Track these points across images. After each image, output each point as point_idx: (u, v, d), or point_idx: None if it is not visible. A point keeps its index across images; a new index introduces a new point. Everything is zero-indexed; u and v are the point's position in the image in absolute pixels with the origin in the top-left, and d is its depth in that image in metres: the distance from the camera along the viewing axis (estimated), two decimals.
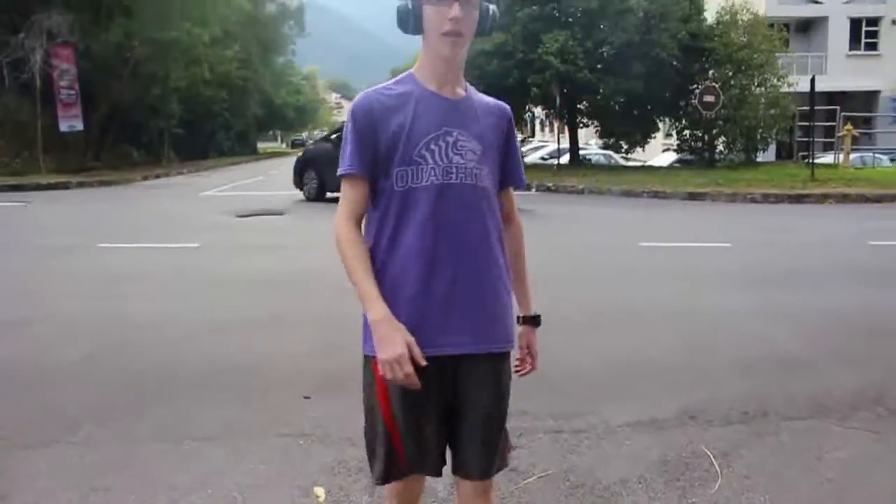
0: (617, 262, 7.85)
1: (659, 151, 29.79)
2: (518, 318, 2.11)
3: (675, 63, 19.79)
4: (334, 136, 15.11)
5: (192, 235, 9.46)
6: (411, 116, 1.84)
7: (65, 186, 18.76)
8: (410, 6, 1.82)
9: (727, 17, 20.82)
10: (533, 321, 2.13)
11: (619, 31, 19.02)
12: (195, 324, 5.37)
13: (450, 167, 1.83)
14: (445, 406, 1.91)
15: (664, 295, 6.38)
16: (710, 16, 21.44)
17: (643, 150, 25.42)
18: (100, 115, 25.83)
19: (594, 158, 26.21)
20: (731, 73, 20.15)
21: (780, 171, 18.37)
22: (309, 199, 14.15)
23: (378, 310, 1.81)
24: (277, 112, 49.55)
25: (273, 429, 3.58)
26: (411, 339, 1.78)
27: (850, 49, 31.46)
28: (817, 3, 31.13)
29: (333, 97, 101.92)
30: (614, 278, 7.07)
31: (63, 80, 23.46)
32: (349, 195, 1.88)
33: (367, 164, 1.85)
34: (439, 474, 2.00)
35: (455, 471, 1.99)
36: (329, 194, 13.64)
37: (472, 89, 1.98)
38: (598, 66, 20.04)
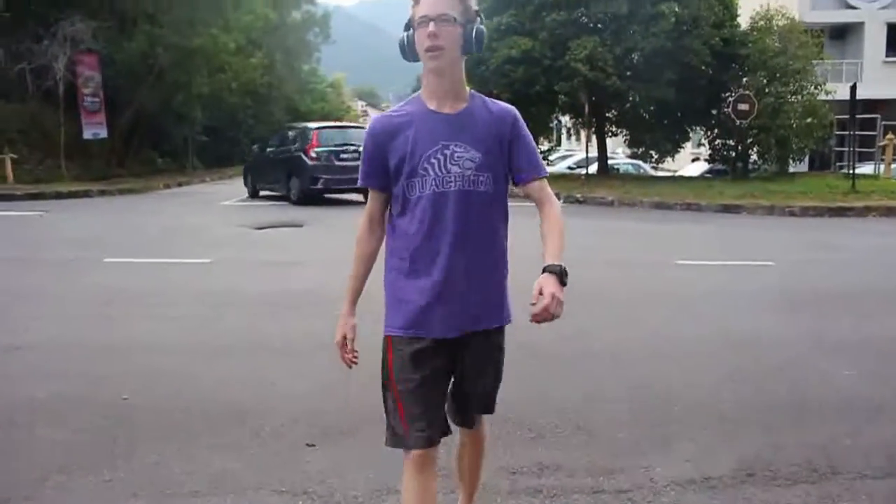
0: (653, 283, 7.32)
1: (688, 161, 29.10)
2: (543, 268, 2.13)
3: (707, 70, 19.11)
4: (255, 146, 19.09)
5: (205, 249, 9.05)
6: (413, 135, 2.14)
7: (86, 195, 18.56)
8: (406, 39, 2.16)
9: (762, 22, 20.11)
10: (551, 269, 2.10)
11: (649, 36, 18.36)
12: (192, 352, 4.94)
13: (448, 177, 2.12)
14: (448, 378, 2.27)
15: (706, 321, 5.85)
16: (743, 21, 20.75)
17: (673, 160, 24.75)
18: (124, 123, 25.73)
19: (622, 168, 25.61)
20: (765, 81, 19.45)
21: (817, 182, 17.66)
22: (251, 195, 17.52)
23: (344, 307, 2.31)
24: (302, 119, 49.30)
25: (269, 484, 3.14)
26: (350, 336, 2.29)
27: (888, 56, 30.59)
28: (853, 8, 30.33)
29: (360, 104, 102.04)
30: (650, 301, 6.52)
31: (87, 87, 23.36)
32: (368, 201, 2.29)
33: (377, 176, 2.21)
34: (429, 445, 2.21)
35: (454, 421, 2.38)
36: (262, 192, 17.21)
37: (477, 99, 2.23)
38: (628, 73, 19.40)
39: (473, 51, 2.15)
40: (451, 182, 2.12)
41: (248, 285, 7.07)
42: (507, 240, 2.32)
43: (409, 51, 2.17)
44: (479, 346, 2.26)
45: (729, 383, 4.38)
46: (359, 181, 2.26)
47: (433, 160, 2.13)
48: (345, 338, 2.29)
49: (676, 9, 18.44)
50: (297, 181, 15.32)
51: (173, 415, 3.88)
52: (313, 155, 15.19)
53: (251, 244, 9.89)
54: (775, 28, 19.93)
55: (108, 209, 14.96)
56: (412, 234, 2.16)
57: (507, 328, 2.37)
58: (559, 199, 11.36)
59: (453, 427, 2.39)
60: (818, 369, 4.67)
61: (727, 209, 14.10)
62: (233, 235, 10.63)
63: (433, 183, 2.12)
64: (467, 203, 2.14)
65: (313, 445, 3.52)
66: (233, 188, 21.26)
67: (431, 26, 2.05)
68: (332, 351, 4.78)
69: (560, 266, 2.10)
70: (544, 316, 2.03)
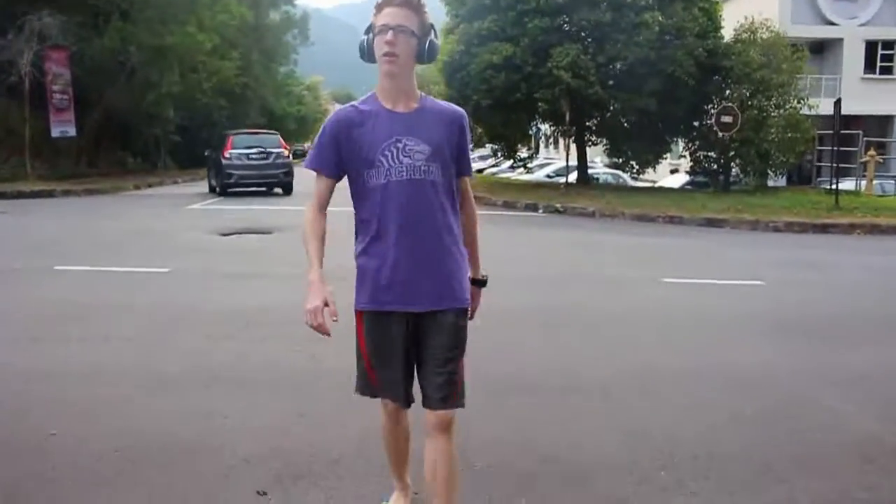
0: (641, 303, 6.89)
1: (667, 172, 28.93)
2: (470, 279, 2.60)
3: (690, 81, 18.84)
4: (207, 152, 21.66)
5: (164, 258, 8.51)
6: (370, 130, 2.39)
7: (49, 195, 17.92)
8: (366, 42, 2.40)
9: (746, 34, 19.92)
10: (478, 283, 2.68)
11: (632, 46, 18.06)
12: (135, 380, 4.43)
13: (400, 167, 2.36)
14: (412, 351, 2.48)
15: (700, 350, 5.42)
16: (726, 33, 20.56)
17: (654, 171, 24.51)
18: (94, 121, 25.03)
19: (601, 177, 25.32)
20: (748, 94, 19.24)
21: (800, 197, 17.46)
22: (210, 190, 19.67)
23: (313, 272, 2.37)
24: (278, 122, 48.67)
25: None
26: (331, 299, 2.31)
27: (865, 72, 30.78)
28: (832, 24, 30.45)
29: (337, 108, 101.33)
30: (640, 326, 6.06)
31: (56, 84, 22.64)
32: (316, 187, 2.48)
33: (328, 164, 2.43)
34: (406, 405, 2.58)
35: (423, 403, 2.50)
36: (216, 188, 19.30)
37: (428, 100, 2.50)
38: (610, 82, 19.08)
39: (425, 61, 2.45)
40: (402, 172, 2.36)
41: (206, 300, 6.56)
42: (458, 225, 2.53)
43: (367, 53, 2.42)
44: (440, 325, 2.44)
45: (729, 424, 3.97)
46: (305, 164, 2.54)
47: (387, 152, 2.37)
48: (325, 303, 2.32)
49: (660, 18, 18.18)
50: (218, 177, 19.02)
51: (107, 455, 3.39)
52: (227, 156, 18.63)
53: (214, 252, 9.35)
54: (759, 41, 19.74)
55: (69, 211, 14.36)
56: (370, 221, 2.41)
57: (490, 361, 2.99)
58: (538, 209, 11.10)
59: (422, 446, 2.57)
60: (822, 406, 4.28)
61: (711, 223, 13.80)
62: (196, 242, 10.10)
63: (387, 173, 2.37)
64: (417, 191, 2.38)
65: (265, 494, 3.06)
66: (204, 190, 20.69)
67: (390, 35, 2.31)
68: (291, 381, 4.36)
69: (484, 278, 2.71)
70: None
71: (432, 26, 2.43)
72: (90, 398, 4.09)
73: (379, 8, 2.37)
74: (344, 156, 2.41)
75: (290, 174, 19.22)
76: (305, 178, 20.92)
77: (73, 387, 4.28)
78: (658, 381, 4.62)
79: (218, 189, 19.07)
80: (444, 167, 2.43)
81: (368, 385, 2.57)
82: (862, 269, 9.45)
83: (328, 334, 2.35)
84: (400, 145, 2.37)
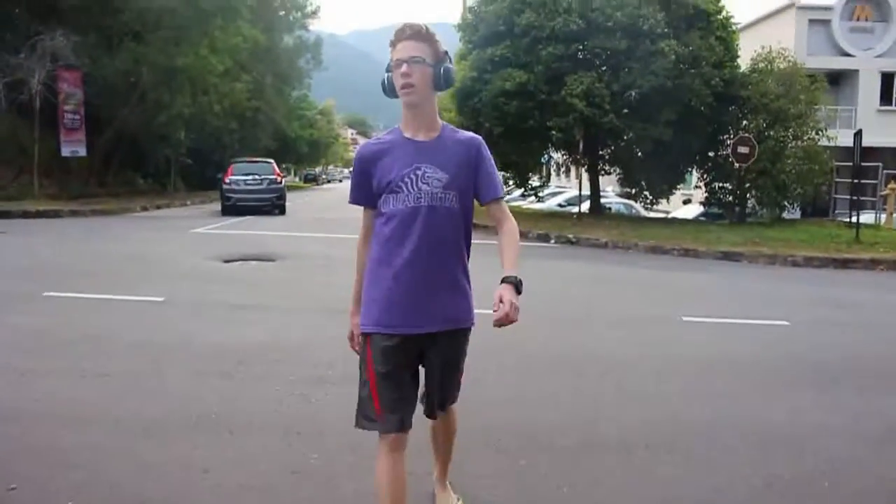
0: (661, 346, 6.45)
1: (680, 202, 28.55)
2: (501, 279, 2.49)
3: (706, 111, 18.51)
4: (219, 175, 22.95)
5: (161, 285, 8.15)
6: (391, 158, 2.53)
7: (56, 215, 17.73)
8: (386, 79, 2.56)
9: (762, 64, 19.61)
10: (508, 280, 2.47)
11: (648, 74, 17.77)
12: (113, 424, 4.05)
13: (419, 194, 2.48)
14: (417, 373, 2.60)
15: (728, 401, 4.96)
16: (743, 63, 20.25)
17: (667, 202, 24.11)
18: (104, 141, 24.97)
19: (614, 207, 24.97)
20: (765, 124, 18.89)
21: (818, 230, 17.02)
22: (223, 213, 20.48)
23: (351, 307, 2.71)
24: (290, 145, 48.66)
25: None
26: (356, 332, 2.65)
27: (881, 104, 30.54)
28: (848, 55, 30.24)
29: (350, 133, 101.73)
30: (662, 371, 5.60)
31: (68, 104, 22.60)
32: (362, 219, 2.69)
33: (363, 196, 2.60)
34: (406, 429, 2.54)
35: (426, 414, 2.77)
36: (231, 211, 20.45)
37: (447, 129, 2.62)
38: (625, 110, 18.77)
39: (443, 87, 2.51)
40: (420, 198, 2.47)
41: (199, 333, 6.16)
42: (468, 252, 2.65)
43: (389, 89, 2.55)
44: (443, 345, 2.57)
45: (767, 490, 3.54)
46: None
47: (406, 179, 2.47)
48: (353, 333, 2.70)
49: (676, 47, 17.89)
50: (220, 200, 21.24)
51: None
52: (227, 181, 21.09)
53: (213, 280, 8.95)
54: (776, 70, 19.43)
55: (72, 232, 14.10)
56: (385, 244, 2.50)
57: (498, 413, 3.05)
58: (550, 239, 10.66)
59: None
60: (869, 471, 3.85)
61: (727, 256, 13.37)
62: (196, 268, 9.74)
63: (405, 199, 2.47)
64: (434, 217, 2.47)
65: None
66: (211, 213, 20.48)
67: (404, 67, 2.43)
68: (286, 430, 3.97)
69: (516, 277, 2.48)
70: (504, 321, 2.37)
71: (446, 53, 2.52)
72: (60, 444, 3.72)
73: (393, 44, 2.49)
74: (374, 186, 2.53)
75: (282, 198, 21.69)
76: (310, 201, 20.84)
77: (44, 429, 3.91)
78: (684, 436, 4.22)
79: (221, 209, 20.81)
80: (462, 194, 2.53)
81: (369, 416, 2.53)
82: (890, 307, 9.02)
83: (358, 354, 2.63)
84: (419, 172, 2.48)
